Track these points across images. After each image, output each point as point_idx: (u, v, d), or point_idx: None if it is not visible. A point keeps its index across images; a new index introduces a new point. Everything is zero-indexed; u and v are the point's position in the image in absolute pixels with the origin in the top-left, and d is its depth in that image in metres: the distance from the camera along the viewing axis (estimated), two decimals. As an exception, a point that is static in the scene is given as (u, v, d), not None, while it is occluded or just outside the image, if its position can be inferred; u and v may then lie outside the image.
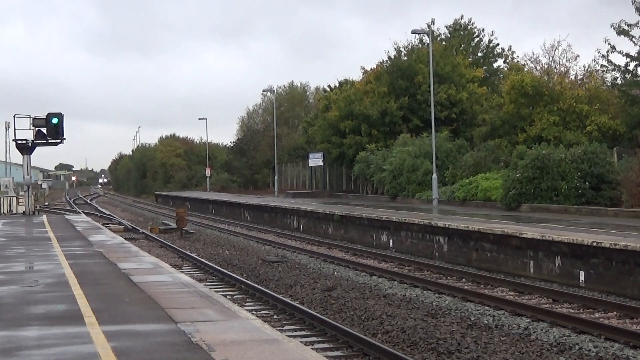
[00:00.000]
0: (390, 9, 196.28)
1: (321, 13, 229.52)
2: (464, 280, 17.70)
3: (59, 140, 35.35)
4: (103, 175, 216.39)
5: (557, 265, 16.93)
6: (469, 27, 53.95)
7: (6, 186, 48.59)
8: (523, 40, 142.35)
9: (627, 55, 31.33)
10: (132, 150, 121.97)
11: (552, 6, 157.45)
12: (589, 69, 35.84)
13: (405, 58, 46.73)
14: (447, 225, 21.56)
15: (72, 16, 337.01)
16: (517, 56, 52.06)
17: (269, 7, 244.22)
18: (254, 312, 12.77)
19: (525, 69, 39.14)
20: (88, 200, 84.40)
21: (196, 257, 22.70)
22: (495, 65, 54.46)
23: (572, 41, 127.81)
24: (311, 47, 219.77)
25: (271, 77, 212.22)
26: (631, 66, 31.64)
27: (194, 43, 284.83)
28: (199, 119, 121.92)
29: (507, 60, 53.11)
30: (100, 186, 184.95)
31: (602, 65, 33.03)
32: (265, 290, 15.77)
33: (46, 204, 66.56)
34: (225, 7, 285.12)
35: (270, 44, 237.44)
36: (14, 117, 36.67)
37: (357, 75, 59.02)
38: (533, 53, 54.59)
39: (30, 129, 35.18)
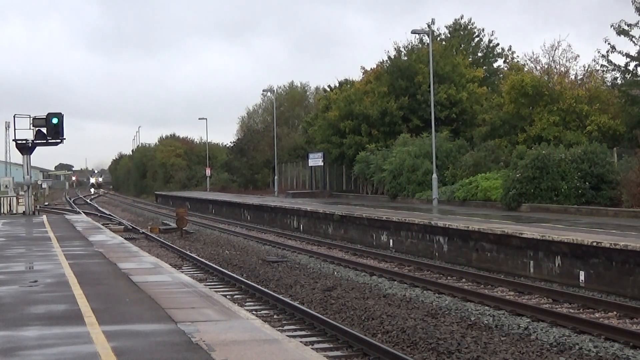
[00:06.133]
0: (400, 7, 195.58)
1: (328, 10, 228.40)
2: (464, 280, 17.70)
3: (59, 140, 35.38)
4: (97, 172, 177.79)
5: (557, 265, 16.93)
6: (469, 27, 53.95)
7: (6, 186, 48.51)
8: (534, 37, 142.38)
9: (627, 55, 31.34)
10: (132, 150, 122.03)
11: (566, 3, 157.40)
12: (589, 69, 35.87)
13: (405, 58, 46.78)
14: (447, 225, 21.56)
15: (73, 13, 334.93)
16: (517, 56, 52.11)
17: (275, 4, 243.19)
18: (254, 312, 12.78)
19: (525, 69, 39.14)
20: (88, 200, 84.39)
21: (196, 257, 22.70)
22: (495, 65, 54.46)
23: (584, 38, 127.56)
24: (316, 46, 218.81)
25: (274, 76, 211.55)
26: (631, 66, 31.65)
27: (198, 41, 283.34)
28: (199, 118, 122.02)
29: (507, 60, 53.13)
30: (93, 189, 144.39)
31: (602, 65, 33.08)
32: (265, 290, 15.77)
33: (46, 203, 66.56)
34: (231, 3, 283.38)
35: (275, 42, 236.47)
36: (14, 117, 36.74)
37: (357, 75, 59.07)
38: (533, 53, 54.68)
39: (30, 129, 35.22)
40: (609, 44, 31.48)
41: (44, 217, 35.90)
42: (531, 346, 10.94)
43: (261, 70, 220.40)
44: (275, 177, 59.24)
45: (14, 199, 41.19)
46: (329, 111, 50.03)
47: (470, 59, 49.79)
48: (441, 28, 53.93)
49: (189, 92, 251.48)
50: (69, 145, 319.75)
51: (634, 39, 30.81)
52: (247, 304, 14.76)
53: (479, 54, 53.79)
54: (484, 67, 51.37)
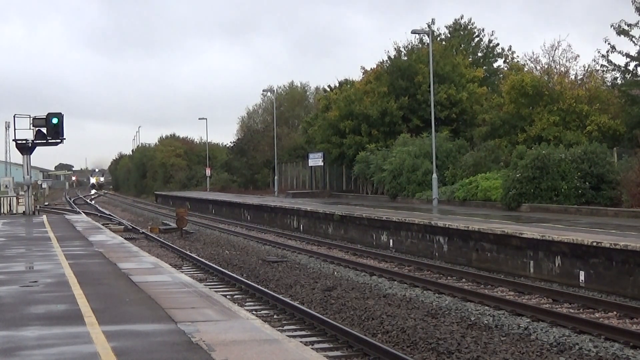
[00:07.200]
0: (401, 7, 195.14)
1: (328, 10, 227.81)
2: (464, 280, 17.70)
3: (59, 140, 35.40)
4: (97, 172, 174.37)
5: (557, 265, 16.93)
6: (469, 27, 53.97)
7: (6, 186, 48.58)
8: (535, 37, 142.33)
9: (627, 55, 31.34)
10: (132, 150, 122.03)
11: (567, 2, 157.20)
12: (589, 69, 35.87)
13: (405, 58, 46.78)
14: (447, 225, 21.56)
15: (73, 13, 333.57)
16: (517, 56, 52.14)
17: (276, 4, 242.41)
18: (254, 312, 12.78)
19: (525, 69, 39.14)
20: (88, 200, 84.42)
21: (196, 257, 22.70)
22: (495, 65, 54.48)
23: (586, 38, 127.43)
24: (316, 46, 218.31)
25: (274, 76, 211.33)
26: (631, 66, 31.64)
27: (199, 41, 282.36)
28: (199, 118, 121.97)
29: (507, 60, 53.15)
30: (93, 189, 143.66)
31: (602, 65, 33.07)
32: (265, 290, 15.77)
33: (46, 204, 66.57)
34: (231, 3, 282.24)
35: (275, 42, 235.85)
36: (14, 117, 36.74)
37: (357, 75, 59.08)
38: (533, 53, 54.68)
39: (30, 129, 35.23)
40: (609, 44, 31.52)
41: (44, 217, 35.90)
42: (531, 346, 10.94)
43: (261, 70, 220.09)
44: (275, 177, 59.25)
45: (14, 199, 41.20)
46: (329, 111, 50.01)
47: (470, 59, 49.78)
48: (441, 28, 54.05)
49: (189, 92, 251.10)
50: (69, 145, 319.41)
51: (634, 39, 30.81)
52: (247, 304, 14.76)
53: (479, 54, 53.80)
54: (484, 67, 51.36)
